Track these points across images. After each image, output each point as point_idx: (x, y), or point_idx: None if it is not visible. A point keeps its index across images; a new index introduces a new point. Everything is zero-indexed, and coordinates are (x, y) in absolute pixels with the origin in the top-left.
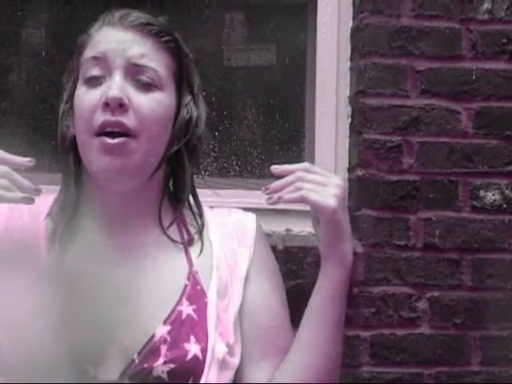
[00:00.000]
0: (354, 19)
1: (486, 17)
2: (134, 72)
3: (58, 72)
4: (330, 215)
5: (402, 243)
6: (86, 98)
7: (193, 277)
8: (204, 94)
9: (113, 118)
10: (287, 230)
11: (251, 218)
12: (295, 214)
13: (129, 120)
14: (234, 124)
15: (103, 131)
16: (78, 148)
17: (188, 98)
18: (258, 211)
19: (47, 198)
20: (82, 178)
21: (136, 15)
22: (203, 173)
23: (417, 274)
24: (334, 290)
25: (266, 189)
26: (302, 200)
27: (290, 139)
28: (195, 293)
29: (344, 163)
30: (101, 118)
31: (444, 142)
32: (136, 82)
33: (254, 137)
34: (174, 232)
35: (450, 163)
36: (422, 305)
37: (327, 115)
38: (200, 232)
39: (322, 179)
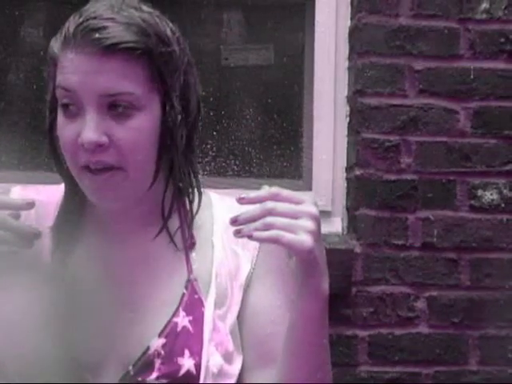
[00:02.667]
0: (352, 19)
1: (484, 16)
2: (109, 101)
3: None
4: (305, 256)
5: (400, 243)
6: (66, 132)
7: (191, 285)
8: (202, 93)
9: (94, 159)
10: None
11: None
12: None
13: (110, 157)
14: (232, 123)
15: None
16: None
17: (174, 99)
18: None
19: (55, 193)
20: (80, 189)
21: (100, 27)
22: (201, 172)
23: (415, 273)
24: (309, 322)
25: (234, 221)
26: (274, 241)
27: (288, 138)
28: (192, 302)
29: (342, 162)
30: (82, 158)
31: (442, 142)
32: (112, 110)
33: (252, 136)
34: (176, 236)
35: (448, 163)
36: (420, 304)
37: (325, 114)
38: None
39: (293, 210)
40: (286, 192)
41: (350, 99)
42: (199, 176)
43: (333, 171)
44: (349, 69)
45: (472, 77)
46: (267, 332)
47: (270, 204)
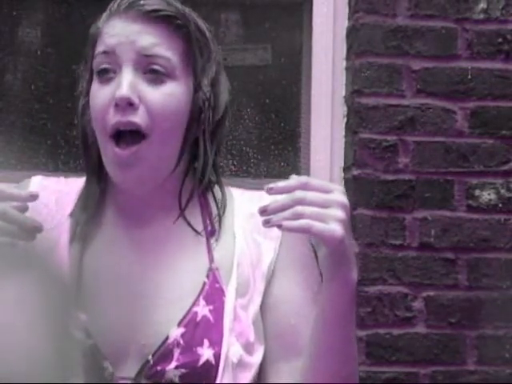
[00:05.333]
0: (349, 19)
1: (481, 16)
2: (145, 63)
3: (54, 71)
4: (335, 245)
5: (398, 243)
6: (99, 97)
7: (212, 274)
8: None
9: (124, 119)
10: None
11: None
12: None
13: (140, 118)
14: (230, 123)
15: (116, 132)
16: (99, 144)
17: (205, 82)
18: None
19: (76, 184)
20: (103, 175)
21: (143, 1)
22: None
23: (412, 273)
24: (337, 314)
25: (263, 211)
26: (305, 231)
27: (286, 139)
28: (213, 291)
29: (339, 163)
30: (113, 119)
31: (439, 142)
32: (148, 73)
33: (249, 136)
34: (197, 224)
35: (445, 163)
36: (417, 304)
37: (323, 115)
38: (219, 222)
39: (323, 198)
40: (315, 181)
41: (348, 99)
42: (220, 171)
43: (330, 171)
44: (346, 69)
45: (469, 77)
46: (291, 323)
47: (299, 193)
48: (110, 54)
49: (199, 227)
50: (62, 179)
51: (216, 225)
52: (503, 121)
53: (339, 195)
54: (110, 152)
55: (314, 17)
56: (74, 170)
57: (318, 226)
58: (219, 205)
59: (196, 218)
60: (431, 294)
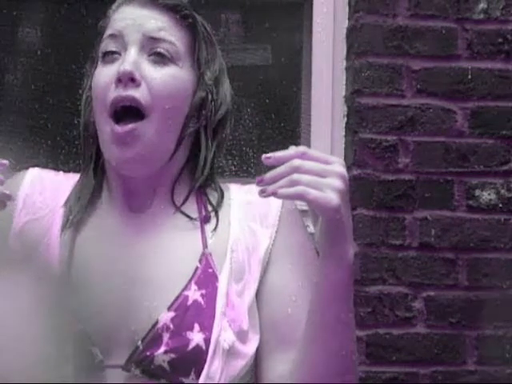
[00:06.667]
0: (349, 19)
1: (481, 16)
2: (151, 45)
3: (54, 71)
4: (331, 214)
5: (398, 243)
6: (102, 75)
7: (205, 259)
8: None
9: (124, 93)
10: None
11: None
12: None
13: (141, 94)
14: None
15: (116, 109)
16: (98, 127)
17: (207, 78)
18: None
19: (74, 178)
20: (100, 164)
21: None
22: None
23: (412, 273)
24: (334, 291)
25: (260, 180)
26: (300, 197)
27: (286, 139)
28: (206, 276)
29: None
30: (113, 93)
31: (440, 142)
32: (152, 55)
33: (249, 136)
34: (192, 211)
35: (445, 163)
36: (417, 304)
37: (323, 115)
38: (216, 211)
39: (321, 168)
40: (314, 151)
41: (348, 99)
42: (216, 170)
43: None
44: (346, 69)
45: (470, 77)
46: (287, 312)
47: (296, 162)
48: (116, 37)
49: (194, 214)
50: (60, 173)
51: (211, 213)
52: (503, 121)
53: (338, 166)
54: (108, 130)
55: (314, 17)
56: (74, 170)
57: (313, 193)
58: (216, 194)
59: (192, 205)
60: (431, 293)
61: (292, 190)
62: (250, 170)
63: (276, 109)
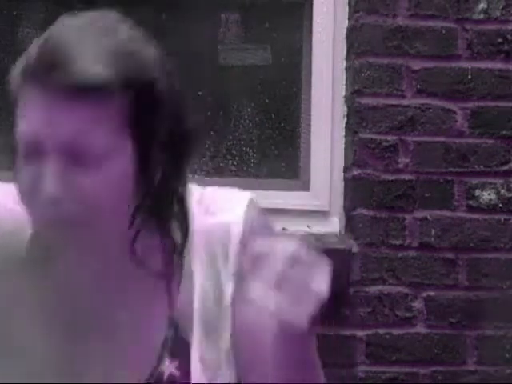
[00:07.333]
0: (349, 19)
1: (481, 16)
2: (72, 152)
3: None
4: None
5: (398, 243)
6: (23, 179)
7: (174, 325)
8: (200, 93)
9: (56, 211)
10: (283, 229)
11: (238, 217)
12: (291, 212)
13: (75, 210)
14: (230, 123)
15: None
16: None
17: (153, 139)
18: None
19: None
20: None
21: (64, 61)
22: (199, 172)
23: (412, 273)
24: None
25: None
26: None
27: (286, 139)
28: (177, 345)
29: (340, 162)
30: (43, 209)
31: (440, 142)
32: (76, 160)
33: (249, 136)
34: (156, 262)
35: (445, 163)
36: (417, 304)
37: (323, 115)
38: (180, 261)
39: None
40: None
41: (348, 99)
42: (194, 176)
43: (330, 171)
44: (346, 69)
45: (470, 77)
46: (259, 354)
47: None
48: (31, 139)
49: (158, 265)
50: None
51: (176, 265)
52: (503, 121)
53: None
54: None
55: (314, 17)
56: None
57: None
58: (182, 238)
59: (155, 254)
60: (431, 293)
61: None
62: (249, 169)
63: (276, 109)
